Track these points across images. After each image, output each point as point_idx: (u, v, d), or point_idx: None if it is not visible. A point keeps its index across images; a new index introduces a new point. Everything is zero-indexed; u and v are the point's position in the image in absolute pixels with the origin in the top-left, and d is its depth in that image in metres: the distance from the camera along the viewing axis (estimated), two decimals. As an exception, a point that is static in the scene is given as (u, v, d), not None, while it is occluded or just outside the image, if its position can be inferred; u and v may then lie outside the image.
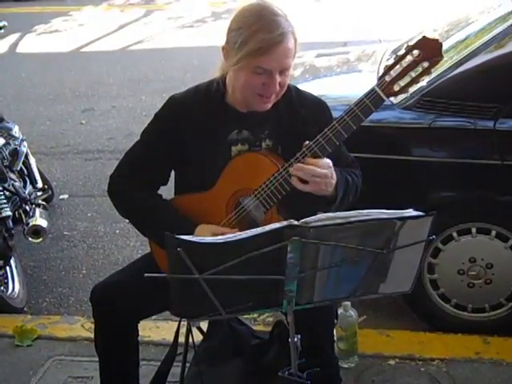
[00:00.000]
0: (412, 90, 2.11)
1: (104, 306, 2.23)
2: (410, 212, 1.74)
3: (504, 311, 3.06)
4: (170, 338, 2.34)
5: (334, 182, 2.04)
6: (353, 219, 1.68)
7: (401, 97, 2.85)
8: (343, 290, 1.84)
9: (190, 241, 1.69)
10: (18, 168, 4.01)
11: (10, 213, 3.38)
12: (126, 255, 3.97)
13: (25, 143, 4.24)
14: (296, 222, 1.67)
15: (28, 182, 4.09)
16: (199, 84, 2.23)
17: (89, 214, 4.50)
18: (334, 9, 9.63)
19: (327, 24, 8.68)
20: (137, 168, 2.22)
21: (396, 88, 1.99)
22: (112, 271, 2.49)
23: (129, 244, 4.10)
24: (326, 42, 6.78)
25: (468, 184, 2.96)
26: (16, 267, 3.60)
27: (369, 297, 1.90)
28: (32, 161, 4.35)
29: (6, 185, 3.57)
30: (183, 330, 2.32)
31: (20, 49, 9.03)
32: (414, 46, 1.96)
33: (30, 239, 3.56)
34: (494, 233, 2.96)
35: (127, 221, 2.61)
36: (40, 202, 3.87)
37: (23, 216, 3.66)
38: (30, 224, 3.54)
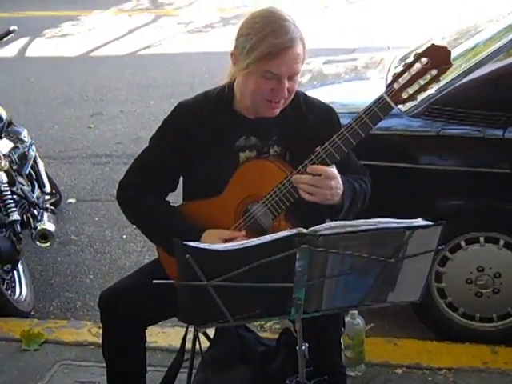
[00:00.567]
0: (420, 97, 2.11)
1: (112, 311, 2.23)
2: (419, 221, 1.74)
3: (512, 321, 3.05)
4: (177, 343, 2.35)
5: (340, 191, 2.04)
6: (362, 227, 1.68)
7: (409, 104, 2.87)
8: (351, 298, 1.84)
9: (198, 248, 1.69)
10: (27, 172, 4.02)
11: (18, 217, 3.38)
12: (133, 260, 3.97)
13: (33, 147, 4.25)
14: (305, 230, 1.67)
15: (36, 186, 4.09)
16: (208, 90, 2.24)
17: (96, 219, 4.50)
18: (342, 15, 9.63)
19: (335, 31, 8.68)
20: (146, 174, 2.23)
21: (404, 95, 1.98)
22: (119, 276, 2.50)
23: (136, 249, 4.10)
24: (334, 48, 6.77)
25: (476, 193, 2.95)
26: (23, 271, 3.60)
27: (377, 305, 1.89)
28: (40, 165, 4.35)
29: (14, 189, 3.58)
30: (190, 336, 2.32)
31: (29, 53, 9.06)
32: (423, 54, 1.96)
33: (38, 243, 3.56)
34: (502, 242, 2.95)
35: (134, 226, 2.61)
36: (48, 206, 3.87)
37: (31, 220, 3.66)
38: (38, 228, 3.54)
